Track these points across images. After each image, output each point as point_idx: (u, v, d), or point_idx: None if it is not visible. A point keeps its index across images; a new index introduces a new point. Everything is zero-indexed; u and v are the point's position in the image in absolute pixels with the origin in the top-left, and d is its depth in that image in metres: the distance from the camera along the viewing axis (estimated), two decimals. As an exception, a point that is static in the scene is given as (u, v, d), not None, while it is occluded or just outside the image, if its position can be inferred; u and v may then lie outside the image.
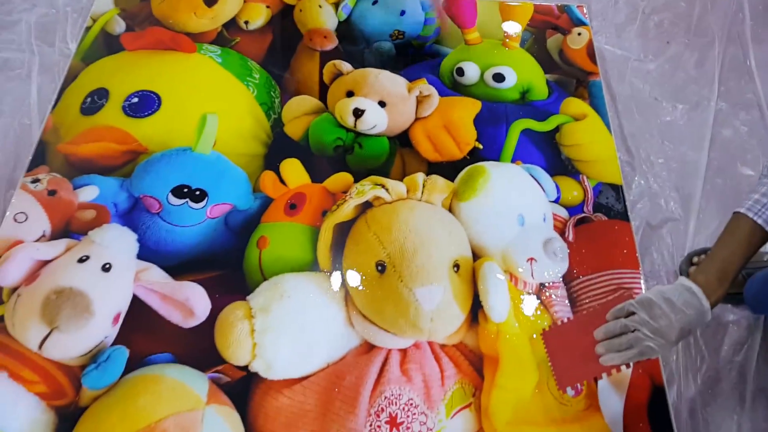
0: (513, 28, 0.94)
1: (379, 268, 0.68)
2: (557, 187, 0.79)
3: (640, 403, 0.65)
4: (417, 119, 0.84)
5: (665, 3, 1.03)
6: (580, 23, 0.98)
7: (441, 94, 0.85)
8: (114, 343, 0.66)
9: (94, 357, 0.64)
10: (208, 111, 0.77)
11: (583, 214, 0.78)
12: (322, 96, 0.87)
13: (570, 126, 0.84)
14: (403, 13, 0.96)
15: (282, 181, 0.78)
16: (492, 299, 0.68)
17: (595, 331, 0.57)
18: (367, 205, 0.73)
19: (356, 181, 0.77)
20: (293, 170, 0.79)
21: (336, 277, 0.71)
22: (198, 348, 0.65)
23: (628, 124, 0.87)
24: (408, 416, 0.62)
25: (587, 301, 0.72)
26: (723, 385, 0.67)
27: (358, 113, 0.82)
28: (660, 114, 0.89)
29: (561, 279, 0.73)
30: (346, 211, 0.73)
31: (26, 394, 0.62)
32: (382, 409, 0.63)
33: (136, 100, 0.82)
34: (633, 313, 0.54)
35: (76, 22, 0.95)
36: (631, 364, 0.56)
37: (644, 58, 0.96)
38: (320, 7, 0.96)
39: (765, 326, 0.70)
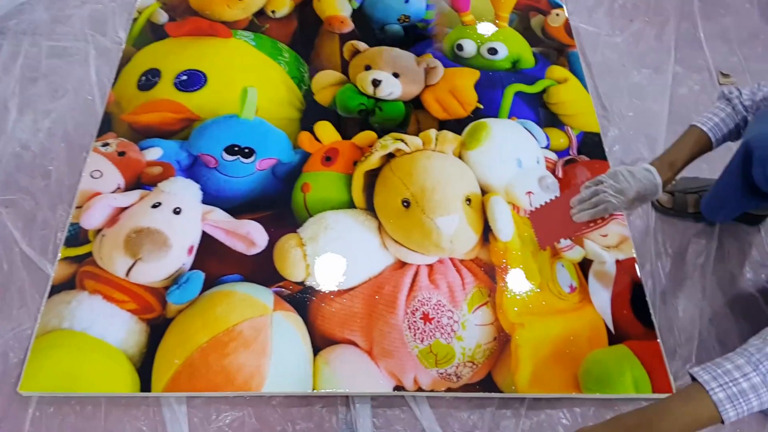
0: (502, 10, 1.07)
1: (405, 204, 0.79)
2: (547, 136, 0.91)
3: (623, 295, 0.76)
4: (426, 86, 0.95)
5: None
6: (557, 6, 1.10)
7: (444, 65, 0.96)
8: (191, 268, 0.75)
9: (176, 279, 0.73)
10: (248, 85, 0.87)
11: (570, 156, 0.90)
12: (344, 71, 0.97)
13: (555, 88, 0.96)
14: (407, 0, 1.08)
15: (317, 139, 0.88)
16: (499, 223, 0.80)
17: (570, 199, 0.68)
18: (390, 157, 0.84)
19: (379, 137, 0.87)
20: (326, 130, 0.89)
21: (369, 212, 0.81)
22: (261, 270, 0.75)
23: (602, 85, 1.00)
24: (438, 313, 0.73)
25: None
26: (688, 281, 0.79)
27: (376, 83, 0.93)
28: (628, 77, 1.02)
29: (554, 205, 0.85)
30: (373, 160, 0.84)
31: (120, 311, 0.71)
32: (416, 309, 0.73)
33: (185, 77, 0.91)
34: (601, 183, 0.65)
35: (122, 14, 1.03)
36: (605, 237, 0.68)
37: (612, 33, 1.09)
38: None
39: (718, 237, 0.83)
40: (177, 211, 0.77)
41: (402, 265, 0.78)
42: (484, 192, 0.84)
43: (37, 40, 1.00)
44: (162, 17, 1.03)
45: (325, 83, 0.96)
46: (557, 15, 1.09)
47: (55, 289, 0.73)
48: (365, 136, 0.89)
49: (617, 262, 0.79)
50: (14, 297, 0.74)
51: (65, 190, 0.83)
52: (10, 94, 0.93)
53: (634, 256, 0.80)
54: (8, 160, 0.86)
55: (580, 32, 1.08)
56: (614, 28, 1.10)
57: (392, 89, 0.93)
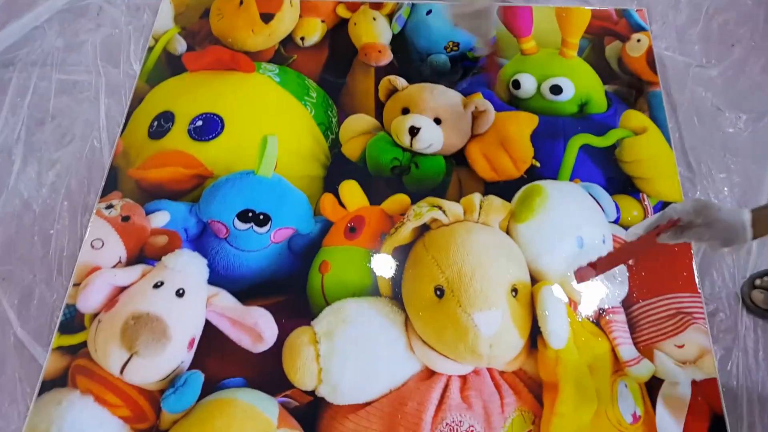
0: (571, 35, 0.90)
1: (438, 292, 0.68)
2: (617, 207, 0.77)
3: (699, 431, 0.64)
4: (473, 136, 0.83)
5: (730, 1, 0.96)
6: (640, 29, 0.93)
7: (497, 108, 0.83)
8: (190, 368, 0.68)
9: (172, 381, 0.66)
10: (269, 132, 0.77)
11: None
12: (378, 112, 0.86)
13: (630, 141, 0.81)
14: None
15: (341, 203, 0.78)
16: (551, 324, 0.67)
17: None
18: (424, 228, 0.73)
19: (413, 202, 0.76)
20: (352, 192, 0.79)
21: (395, 302, 0.71)
22: (268, 372, 0.67)
23: (688, 135, 0.83)
24: (469, 443, 0.63)
25: (647, 326, 0.70)
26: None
27: (413, 131, 0.80)
28: (722, 125, 0.84)
29: (621, 303, 0.71)
30: (404, 234, 0.73)
31: (111, 418, 0.65)
32: (444, 436, 0.63)
33: (200, 123, 0.82)
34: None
35: (138, 41, 0.96)
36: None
37: (707, 63, 0.90)
38: (374, 19, 0.94)
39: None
40: (180, 293, 0.69)
41: (430, 374, 0.67)
42: (534, 279, 0.71)
43: (47, 73, 0.94)
44: (180, 46, 0.95)
45: (355, 131, 0.85)
46: (638, 41, 0.91)
47: (47, 386, 0.68)
48: (397, 202, 0.77)
49: (694, 383, 0.65)
50: (5, 391, 0.70)
51: (65, 260, 0.78)
52: (15, 140, 0.87)
53: (717, 377, 0.65)
54: (9, 222, 0.81)
55: (665, 63, 0.90)
56: (710, 56, 0.92)
57: (432, 140, 0.81)
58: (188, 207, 0.77)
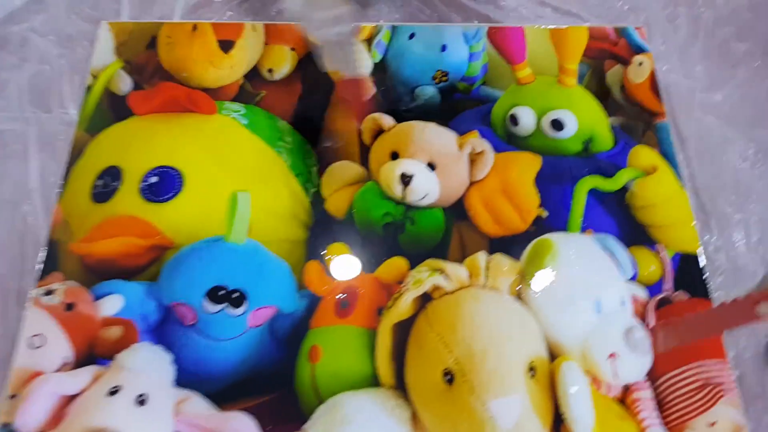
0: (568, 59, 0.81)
1: (447, 377, 0.59)
2: (633, 261, 0.69)
3: None
4: (472, 183, 0.73)
5: (730, 13, 0.89)
6: (640, 50, 0.85)
7: (495, 149, 0.74)
8: (158, 498, 0.57)
9: None
10: (239, 188, 0.66)
11: (663, 294, 0.68)
12: (364, 156, 0.76)
13: (640, 183, 0.73)
14: (444, 48, 0.83)
15: (329, 273, 0.68)
16: (575, 410, 0.58)
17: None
18: (426, 297, 0.63)
19: (412, 265, 0.67)
20: (341, 258, 0.69)
21: (400, 393, 0.61)
22: (254, 495, 0.57)
23: (699, 173, 0.76)
24: None
25: (675, 402, 0.63)
26: None
27: (405, 180, 0.71)
28: (732, 158, 0.78)
29: (646, 377, 0.64)
30: (403, 307, 0.63)
31: None
32: None
33: (155, 179, 0.70)
34: None
35: (73, 79, 0.82)
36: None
37: (711, 86, 0.83)
38: None
39: None
40: (141, 400, 0.58)
41: (445, 483, 0.58)
42: (551, 354, 0.63)
43: (-34, 122, 0.78)
44: (124, 84, 0.82)
45: (339, 182, 0.74)
46: (640, 64, 0.83)
47: None
48: (393, 267, 0.68)
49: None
50: None
51: (-4, 364, 0.64)
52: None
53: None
54: None
55: (670, 89, 0.83)
56: (714, 77, 0.84)
57: (427, 189, 0.71)
58: (145, 287, 0.65)
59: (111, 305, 0.64)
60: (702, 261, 0.70)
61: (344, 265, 0.68)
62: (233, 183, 0.71)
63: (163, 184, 0.70)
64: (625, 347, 0.62)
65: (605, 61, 0.85)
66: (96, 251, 0.67)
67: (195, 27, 0.80)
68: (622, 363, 0.62)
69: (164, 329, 0.64)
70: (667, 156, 0.77)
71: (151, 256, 0.68)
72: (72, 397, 0.58)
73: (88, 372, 0.60)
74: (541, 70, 0.82)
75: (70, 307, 0.64)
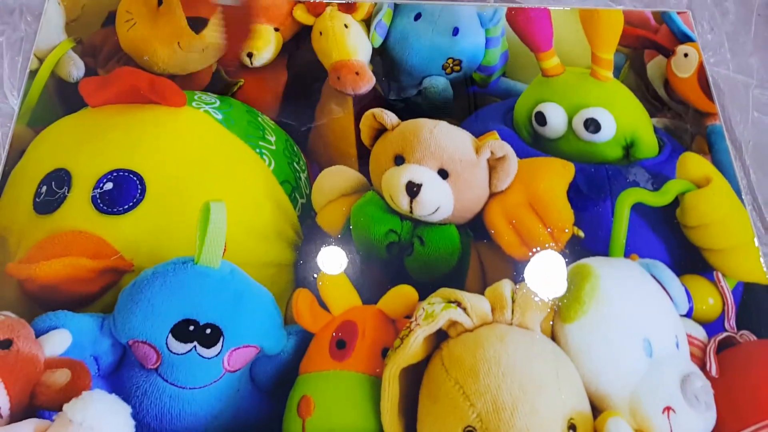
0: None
1: None
2: (688, 293, 0.63)
3: None
4: (492, 195, 0.67)
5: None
6: (686, 39, 0.79)
7: (518, 154, 0.67)
8: None
9: None
10: (211, 197, 0.59)
11: (726, 334, 0.62)
12: (363, 161, 0.70)
13: (692, 197, 0.67)
14: (456, 31, 0.77)
15: (323, 305, 0.61)
16: (625, 476, 0.54)
17: None
18: (441, 335, 0.58)
19: (422, 296, 0.60)
20: (336, 286, 0.62)
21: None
22: None
23: (761, 185, 0.70)
24: None
25: (745, 467, 0.57)
26: None
27: (413, 190, 0.64)
28: (794, 165, 0.73)
29: (708, 437, 0.58)
30: (413, 347, 0.56)
31: None
32: None
33: (110, 186, 0.63)
34: None
35: (14, 62, 0.75)
36: None
37: (766, 81, 0.78)
38: (346, 27, 0.76)
39: None
40: None
41: None
42: (594, 407, 0.57)
43: None
44: (75, 69, 0.75)
45: (334, 192, 0.68)
46: (686, 56, 0.77)
47: None
48: (400, 297, 0.61)
49: None
50: None
51: None
52: None
53: None
54: None
55: (720, 85, 0.77)
56: (768, 70, 0.79)
57: (439, 201, 0.65)
58: (98, 322, 0.58)
59: (57, 343, 0.57)
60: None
61: (341, 295, 0.62)
62: (205, 191, 0.64)
63: (120, 192, 0.63)
64: (682, 399, 0.56)
65: (644, 51, 0.80)
66: (38, 274, 0.60)
67: (160, 1, 0.74)
68: (680, 419, 0.56)
69: (121, 374, 0.58)
70: (722, 165, 0.72)
71: (106, 282, 0.61)
72: None
73: (27, 428, 0.53)
74: (570, 60, 0.76)
75: (5, 344, 0.56)
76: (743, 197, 0.70)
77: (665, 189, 0.68)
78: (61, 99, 0.74)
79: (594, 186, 0.69)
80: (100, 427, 0.52)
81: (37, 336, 0.57)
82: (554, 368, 0.56)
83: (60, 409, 0.53)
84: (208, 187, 0.65)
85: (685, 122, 0.75)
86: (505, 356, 0.55)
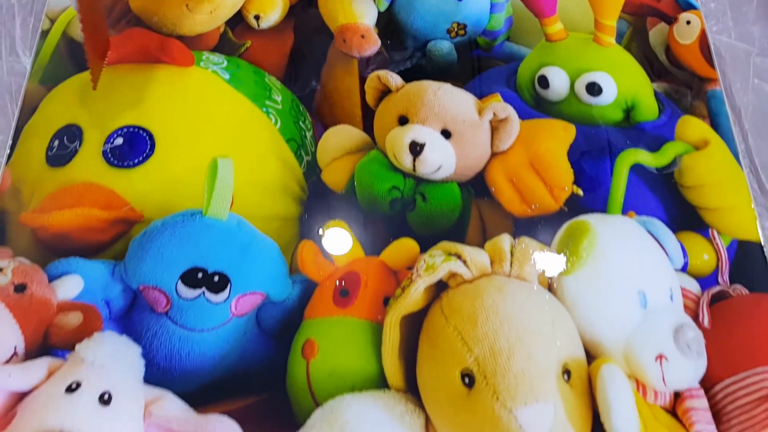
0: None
1: (466, 379, 0.55)
2: (683, 249, 0.66)
3: None
4: (493, 155, 0.70)
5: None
6: (688, 6, 0.82)
7: (521, 115, 0.70)
8: None
9: None
10: (219, 154, 0.62)
11: (719, 288, 0.65)
12: (368, 121, 0.72)
13: (690, 158, 0.70)
14: (461, -3, 0.79)
15: (327, 256, 0.64)
16: (617, 420, 0.54)
17: None
18: (441, 286, 0.60)
19: (423, 249, 0.63)
20: (340, 238, 0.65)
21: (410, 397, 0.58)
22: None
23: (759, 148, 0.73)
24: None
25: (734, 413, 0.60)
26: None
27: (416, 149, 0.67)
28: (793, 131, 0.75)
29: (699, 384, 0.61)
30: (414, 296, 0.59)
31: None
32: None
33: (120, 141, 0.67)
34: None
35: (26, 22, 0.78)
36: None
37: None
38: None
39: None
40: (105, 399, 0.54)
41: (463, 503, 0.55)
42: (589, 355, 0.59)
43: None
44: None
45: (339, 150, 0.70)
46: (688, 23, 0.80)
47: None
48: (402, 250, 0.64)
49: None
50: None
51: (-69, 353, 0.60)
52: None
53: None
54: None
55: (722, 52, 0.80)
56: (770, 39, 0.81)
57: (441, 161, 0.68)
58: (110, 267, 0.61)
59: (69, 287, 0.60)
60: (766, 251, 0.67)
61: (344, 247, 0.65)
62: (213, 148, 0.67)
63: (130, 147, 0.66)
64: (674, 348, 0.59)
65: (647, 18, 0.82)
66: (51, 224, 0.63)
67: (170, -36, 0.76)
68: (672, 366, 0.59)
69: (132, 317, 0.61)
70: (721, 129, 0.74)
71: (116, 231, 0.64)
72: (23, 395, 0.54)
73: (42, 365, 0.56)
74: (573, 26, 0.78)
75: (20, 288, 0.60)
76: (741, 160, 0.72)
77: (664, 150, 0.70)
78: (72, 58, 0.76)
79: (594, 147, 0.71)
80: (111, 365, 0.56)
81: (50, 281, 0.61)
82: (550, 317, 0.59)
83: (72, 349, 0.56)
84: (215, 145, 0.68)
85: (686, 87, 0.78)
86: (502, 305, 0.58)
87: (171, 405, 0.56)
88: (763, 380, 0.62)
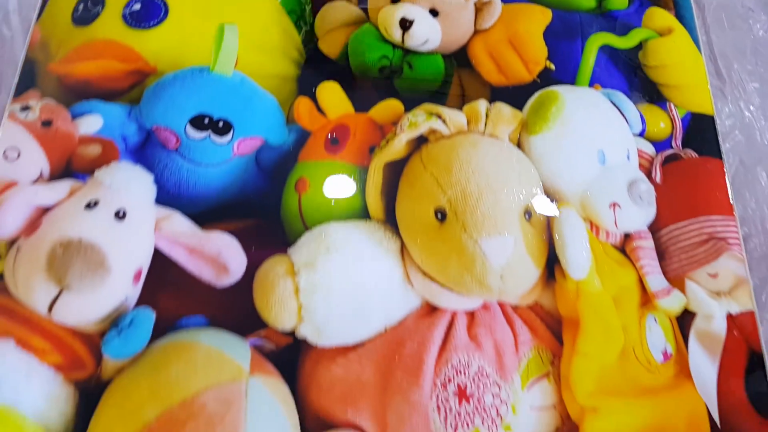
0: None
1: (439, 215, 0.61)
2: (642, 117, 0.71)
3: (735, 368, 0.62)
4: (476, 32, 0.75)
5: None
6: None
7: (503, 0, 0.75)
8: (137, 305, 0.60)
9: (115, 321, 0.58)
10: (225, 20, 0.67)
11: (672, 151, 0.71)
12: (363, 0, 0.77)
13: (654, 43, 0.75)
14: None
15: (320, 110, 0.70)
16: (571, 252, 0.62)
17: None
18: (421, 140, 0.66)
19: (407, 109, 0.68)
20: (333, 96, 0.70)
21: (389, 226, 0.65)
22: (236, 310, 0.60)
23: (718, 40, 0.78)
24: (479, 387, 0.58)
25: (676, 253, 0.67)
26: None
27: (405, 25, 0.72)
28: (753, 27, 0.80)
29: (647, 228, 0.67)
30: (397, 147, 0.65)
31: (39, 365, 0.57)
32: (449, 379, 0.58)
33: (138, 6, 0.72)
34: None
35: None
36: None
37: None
38: None
39: None
40: (120, 215, 0.60)
41: (432, 310, 0.62)
42: (550, 201, 0.66)
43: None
44: None
45: (334, 22, 0.76)
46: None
47: (-48, 328, 0.59)
48: (388, 108, 0.70)
49: (729, 317, 0.63)
50: None
51: (-31, 172, 0.66)
52: None
53: (755, 309, 0.63)
54: None
55: (691, -47, 0.84)
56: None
57: (428, 35, 0.73)
58: (126, 110, 0.67)
59: (90, 124, 0.66)
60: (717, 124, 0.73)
61: (336, 104, 0.70)
62: (220, 15, 0.72)
63: (147, 12, 0.71)
64: (628, 198, 0.65)
65: None
66: (76, 72, 0.69)
67: None
68: (624, 213, 0.65)
69: (145, 152, 0.67)
70: (685, 20, 0.78)
71: (132, 81, 0.69)
72: (47, 210, 0.60)
73: (65, 185, 0.62)
74: None
75: (47, 123, 0.66)
76: (701, 48, 0.78)
77: (631, 35, 0.75)
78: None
79: (567, 29, 0.76)
80: (126, 188, 0.62)
81: (73, 119, 0.67)
82: (517, 170, 0.65)
83: (92, 175, 0.62)
84: (222, 12, 0.73)
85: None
86: (475, 158, 0.63)
87: (179, 222, 0.62)
88: (703, 227, 0.69)
